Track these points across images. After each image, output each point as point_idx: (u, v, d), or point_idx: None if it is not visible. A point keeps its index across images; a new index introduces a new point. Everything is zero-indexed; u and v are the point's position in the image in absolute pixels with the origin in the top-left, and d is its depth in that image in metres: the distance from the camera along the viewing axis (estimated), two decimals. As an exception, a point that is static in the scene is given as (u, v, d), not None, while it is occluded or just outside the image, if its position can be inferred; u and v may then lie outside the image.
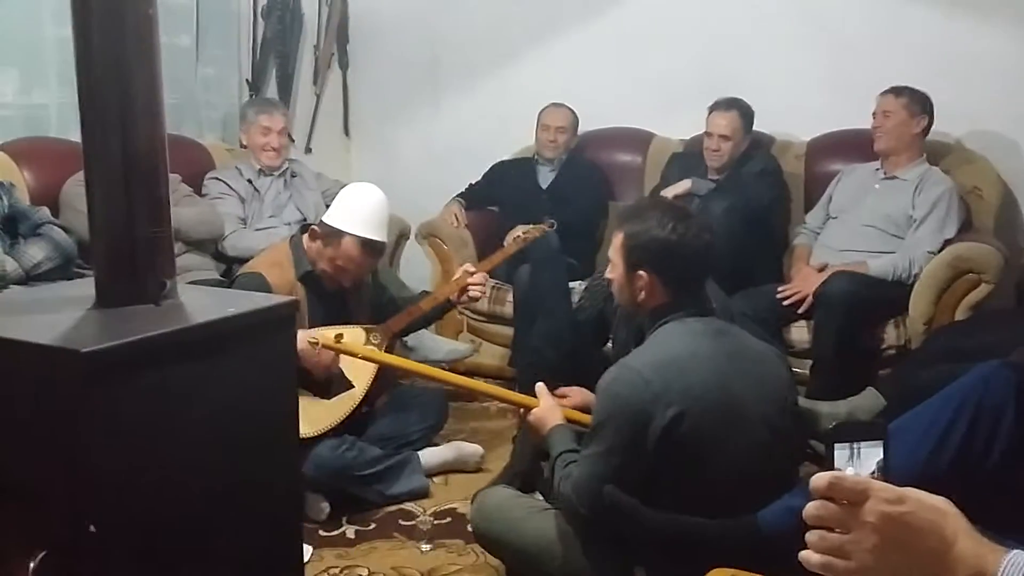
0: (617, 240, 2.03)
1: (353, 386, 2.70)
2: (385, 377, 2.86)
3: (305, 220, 3.52)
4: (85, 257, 2.85)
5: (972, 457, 1.69)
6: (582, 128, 4.11)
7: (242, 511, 1.58)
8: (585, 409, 2.20)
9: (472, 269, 2.97)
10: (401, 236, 3.90)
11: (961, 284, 3.12)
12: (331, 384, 2.69)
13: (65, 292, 1.78)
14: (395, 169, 4.60)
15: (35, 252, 2.86)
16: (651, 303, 1.99)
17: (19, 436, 1.41)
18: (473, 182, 4.13)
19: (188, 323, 1.52)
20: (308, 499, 2.59)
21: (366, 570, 2.39)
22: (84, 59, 1.51)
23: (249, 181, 3.68)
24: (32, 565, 1.34)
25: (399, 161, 4.72)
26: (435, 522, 2.63)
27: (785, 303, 3.23)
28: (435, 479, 2.88)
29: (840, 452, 0.86)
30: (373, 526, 2.62)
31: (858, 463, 0.86)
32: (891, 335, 3.20)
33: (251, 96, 4.23)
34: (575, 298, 3.40)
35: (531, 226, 3.40)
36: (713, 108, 3.66)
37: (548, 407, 2.14)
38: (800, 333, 3.26)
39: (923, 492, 0.84)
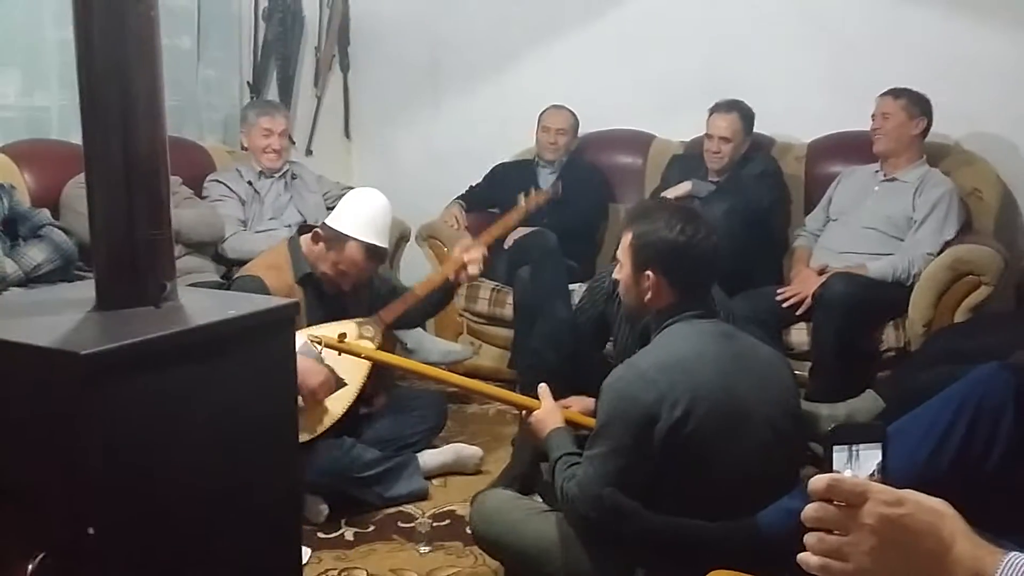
0: (625, 240, 2.04)
1: (345, 383, 2.66)
2: (383, 377, 2.85)
3: (306, 222, 3.52)
4: (85, 259, 2.85)
5: (971, 459, 1.69)
6: (582, 130, 4.12)
7: (241, 513, 1.58)
8: (585, 416, 2.21)
9: (469, 243, 2.90)
10: (401, 238, 3.89)
11: (961, 286, 3.12)
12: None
13: (65, 294, 1.79)
14: (396, 171, 4.62)
15: (35, 254, 2.86)
16: (658, 303, 1.99)
17: (18, 438, 1.41)
18: (473, 184, 4.13)
19: (188, 325, 1.52)
20: (307, 501, 2.59)
21: (365, 572, 2.39)
22: (85, 61, 1.51)
23: (250, 183, 3.67)
24: (31, 567, 1.34)
25: (400, 163, 4.73)
26: (434, 524, 2.63)
27: (784, 305, 3.23)
28: (434, 481, 2.87)
29: (839, 454, 0.86)
30: (372, 528, 2.62)
31: (857, 465, 0.86)
32: (890, 337, 3.20)
33: (252, 98, 4.23)
34: (575, 300, 3.39)
35: (532, 194, 3.26)
36: (713, 110, 3.66)
37: (549, 409, 2.14)
38: (800, 335, 3.25)
39: (922, 494, 0.84)
